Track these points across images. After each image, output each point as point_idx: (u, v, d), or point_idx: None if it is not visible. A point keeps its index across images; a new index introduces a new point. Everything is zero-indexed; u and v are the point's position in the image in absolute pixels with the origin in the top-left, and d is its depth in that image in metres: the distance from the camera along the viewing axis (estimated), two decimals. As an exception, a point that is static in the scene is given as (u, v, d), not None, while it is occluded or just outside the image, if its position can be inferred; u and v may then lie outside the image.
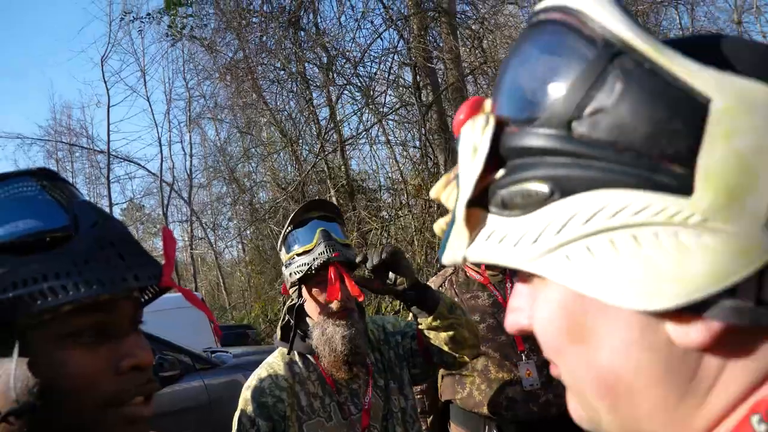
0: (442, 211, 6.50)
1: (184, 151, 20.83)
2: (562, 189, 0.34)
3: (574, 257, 0.34)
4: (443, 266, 4.09)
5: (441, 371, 2.25)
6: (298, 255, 1.56)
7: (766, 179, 0.30)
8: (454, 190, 0.40)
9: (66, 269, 0.58)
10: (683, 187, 0.31)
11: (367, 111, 7.05)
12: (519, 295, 0.41)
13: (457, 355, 1.59)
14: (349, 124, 8.09)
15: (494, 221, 0.38)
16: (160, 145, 15.28)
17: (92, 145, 17.31)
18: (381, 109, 7.01)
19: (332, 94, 7.50)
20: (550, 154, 0.35)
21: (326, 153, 7.34)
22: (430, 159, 6.71)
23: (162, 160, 15.13)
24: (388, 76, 7.08)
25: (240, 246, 14.35)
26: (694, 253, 0.31)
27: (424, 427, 1.65)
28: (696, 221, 0.31)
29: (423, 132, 6.53)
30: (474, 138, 0.38)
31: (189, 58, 12.46)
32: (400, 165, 7.65)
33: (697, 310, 0.32)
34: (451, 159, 6.06)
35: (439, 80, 6.79)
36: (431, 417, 2.25)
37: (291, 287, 1.62)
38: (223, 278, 14.37)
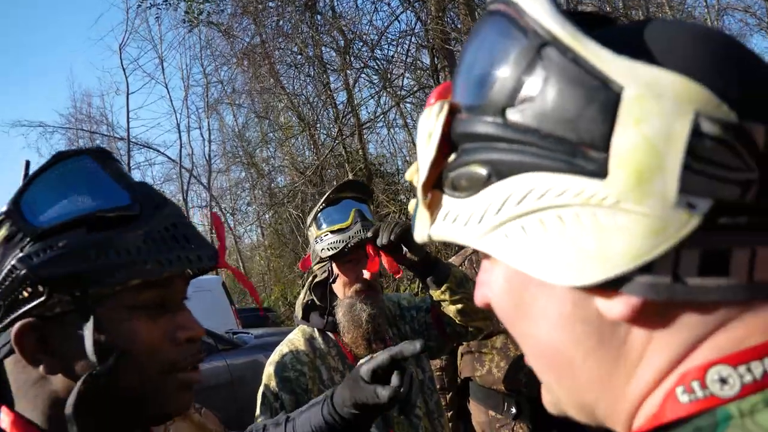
0: (460, 193, 6.49)
1: (202, 136, 20.94)
2: (498, 172, 0.37)
3: (511, 236, 0.36)
4: (462, 247, 4.11)
5: (461, 349, 2.27)
6: (332, 232, 1.59)
7: (673, 163, 0.32)
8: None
9: (137, 246, 0.63)
10: (599, 170, 0.33)
11: (384, 94, 7.04)
12: (483, 271, 0.43)
13: (468, 327, 1.62)
14: (366, 107, 8.08)
15: (448, 202, 0.40)
16: (179, 132, 15.35)
17: (112, 133, 17.49)
18: (398, 92, 6.99)
19: (349, 78, 7.50)
20: (487, 139, 0.37)
21: (344, 137, 7.35)
22: (448, 142, 6.68)
23: (181, 147, 15.23)
24: (406, 58, 7.05)
25: (259, 230, 14.46)
26: (611, 232, 0.33)
27: (444, 404, 1.68)
28: (611, 203, 0.33)
29: (441, 115, 6.50)
30: (429, 124, 0.40)
31: (206, 44, 12.53)
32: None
33: (617, 285, 0.34)
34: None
35: (457, 62, 6.74)
36: (450, 394, 2.27)
37: (319, 263, 1.65)
38: (243, 262, 14.52)
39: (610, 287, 0.34)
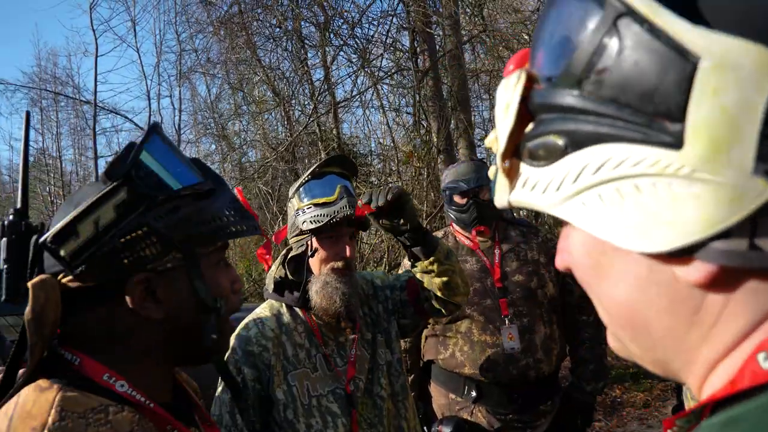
0: (432, 178, 6.51)
1: (173, 105, 20.43)
2: (575, 143, 0.38)
3: (588, 203, 0.38)
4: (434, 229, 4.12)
5: (425, 332, 2.30)
6: (316, 205, 1.57)
7: (750, 132, 0.32)
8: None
9: (222, 215, 0.78)
10: (675, 141, 0.34)
11: (362, 74, 6.97)
12: (563, 237, 0.45)
13: (448, 302, 1.64)
14: (343, 86, 8.00)
15: (527, 170, 0.42)
16: (149, 99, 15.01)
17: (78, 95, 16.92)
18: (376, 73, 6.93)
19: (327, 55, 7.39)
20: (564, 110, 0.38)
21: (319, 115, 7.27)
22: (423, 126, 6.67)
23: (150, 114, 14.86)
24: (386, 39, 6.99)
25: (227, 205, 14.20)
26: (687, 201, 0.34)
27: (399, 371, 1.69)
28: (686, 172, 0.34)
29: (417, 98, 6.48)
30: (506, 94, 0.41)
31: (182, 9, 12.15)
32: (393, 131, 7.61)
33: (693, 251, 0.35)
34: (445, 127, 6.04)
35: (437, 47, 6.71)
36: (412, 376, 2.30)
37: (296, 236, 1.63)
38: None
39: (686, 253, 0.35)
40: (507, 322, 2.14)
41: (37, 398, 0.68)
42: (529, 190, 0.41)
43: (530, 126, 0.41)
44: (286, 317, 1.62)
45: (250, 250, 9.54)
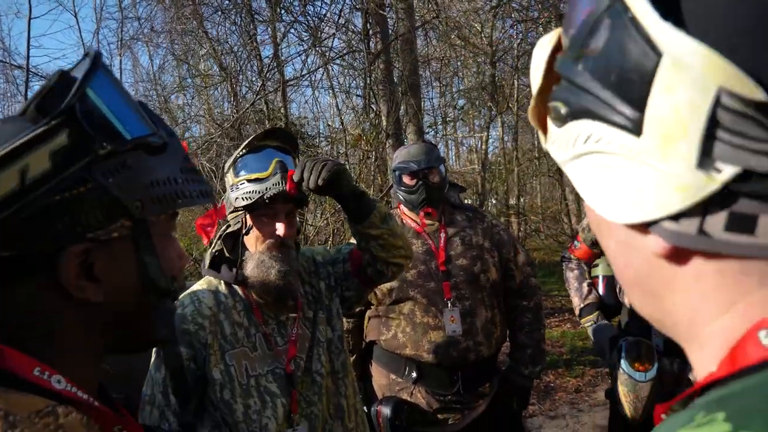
0: (379, 162, 6.49)
1: (113, 75, 19.59)
2: (572, 113, 0.41)
3: (580, 168, 0.42)
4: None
5: (368, 313, 2.28)
6: (249, 181, 1.50)
7: (695, 131, 0.35)
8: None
9: (176, 176, 0.64)
10: (636, 129, 0.37)
11: (313, 53, 6.84)
12: None
13: (390, 263, 1.62)
14: (293, 65, 7.83)
15: (550, 127, 0.45)
16: (87, 67, 14.30)
17: (8, 59, 15.93)
18: (327, 53, 6.82)
19: (278, 32, 7.22)
20: (568, 81, 0.42)
21: (267, 92, 7.10)
22: (372, 110, 6.63)
23: (88, 83, 14.12)
24: (338, 19, 6.87)
25: (168, 181, 13.74)
26: (645, 183, 0.38)
27: (339, 349, 1.67)
28: (644, 159, 0.37)
29: (368, 81, 6.42)
30: (539, 56, 0.45)
31: (125, -26, 11.56)
32: (342, 113, 7.53)
33: (649, 227, 0.39)
34: (394, 111, 6.02)
35: (390, 30, 6.66)
36: (354, 356, 2.29)
37: (233, 213, 1.56)
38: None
39: (646, 227, 0.39)
40: (449, 305, 2.15)
41: None
42: (551, 144, 0.45)
43: (554, 88, 0.44)
44: (224, 295, 1.56)
45: (190, 228, 9.28)
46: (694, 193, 0.36)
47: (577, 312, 2.42)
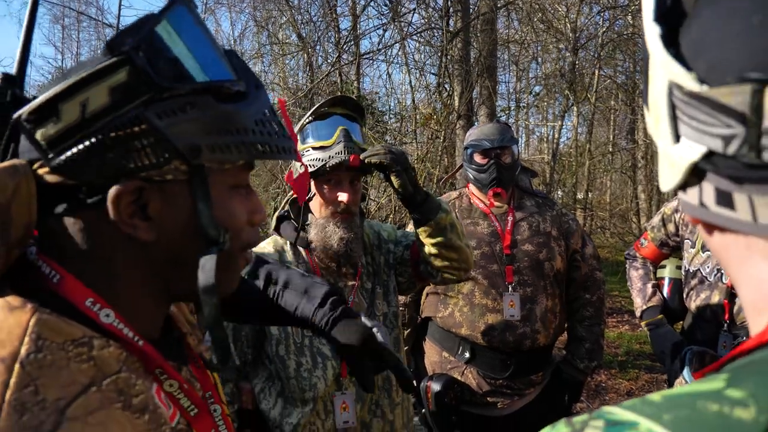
0: (448, 143, 6.42)
1: (195, 39, 20.22)
2: None
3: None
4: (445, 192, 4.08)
5: (427, 289, 2.28)
6: (314, 148, 1.53)
7: (663, 116, 0.41)
8: None
9: (251, 127, 0.61)
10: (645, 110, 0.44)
11: (391, 28, 6.81)
12: None
13: (442, 271, 1.60)
14: (370, 38, 7.81)
15: None
16: (172, 29, 14.79)
17: (101, 17, 16.70)
18: (406, 29, 6.77)
19: (357, 5, 7.22)
20: None
21: (342, 64, 7.14)
22: (446, 89, 6.55)
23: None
24: (420, -6, 6.79)
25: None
26: (660, 157, 0.44)
27: (394, 324, 1.68)
28: (656, 137, 0.44)
29: (444, 60, 6.34)
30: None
31: (215, -61, 11.83)
32: (414, 91, 7.48)
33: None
34: (468, 92, 5.92)
35: (471, 9, 6.53)
36: (408, 330, 2.30)
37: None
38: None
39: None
40: (510, 289, 2.12)
41: (6, 319, 0.54)
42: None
43: None
44: (289, 255, 1.61)
45: (259, 194, 9.54)
46: (680, 167, 0.40)
47: (638, 313, 2.31)
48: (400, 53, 7.21)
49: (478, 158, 2.20)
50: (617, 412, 0.36)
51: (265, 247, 1.62)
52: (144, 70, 0.56)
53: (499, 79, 6.65)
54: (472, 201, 2.29)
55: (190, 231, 0.62)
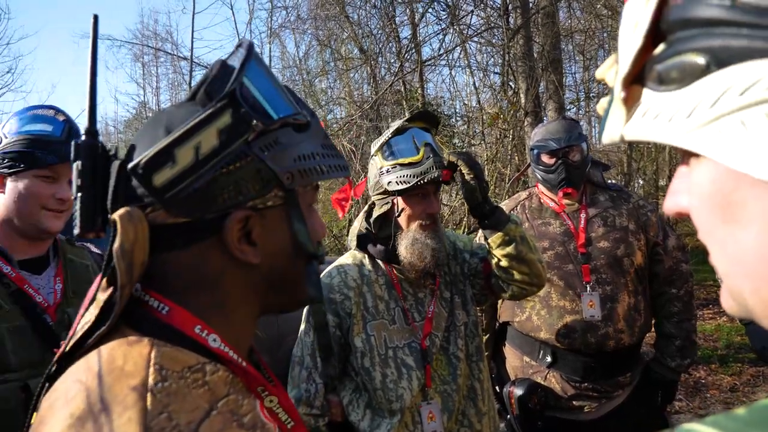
0: (517, 141, 6.32)
1: (263, 62, 21.03)
2: (719, 60, 0.33)
3: (727, 131, 0.33)
4: (515, 192, 4.03)
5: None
6: (401, 165, 1.56)
7: None
8: (615, 68, 0.40)
9: (318, 151, 0.70)
10: None
11: (450, 32, 6.80)
12: (678, 177, 0.41)
13: (513, 285, 1.60)
14: (430, 44, 7.84)
15: (650, 97, 0.37)
16: (241, 56, 15.41)
17: (176, 51, 17.66)
18: (465, 32, 6.74)
19: (416, 12, 7.26)
20: (710, 24, 0.34)
21: (404, 73, 7.20)
22: (511, 87, 6.46)
23: (242, 70, 15.21)
24: (477, -5, 6.76)
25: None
26: None
27: (474, 333, 1.69)
28: None
29: (506, 58, 6.26)
30: (636, 12, 0.38)
31: (274, -34, 12.26)
32: (479, 92, 7.42)
33: None
34: (534, 88, 5.81)
35: (530, 4, 6.41)
36: (486, 335, 2.29)
37: (381, 194, 1.63)
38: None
39: None
40: (588, 288, 2.07)
41: (128, 353, 0.59)
42: (650, 119, 0.37)
43: (661, 47, 0.37)
44: (368, 268, 1.65)
45: (332, 207, 9.75)
46: None
47: None
48: (461, 56, 7.20)
49: (545, 158, 2.17)
50: (698, 429, 0.33)
51: (346, 260, 1.68)
52: (244, 111, 0.63)
53: (566, 71, 6.48)
54: (542, 200, 2.25)
55: (288, 250, 0.69)
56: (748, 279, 0.36)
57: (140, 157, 0.62)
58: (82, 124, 0.71)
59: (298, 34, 11.30)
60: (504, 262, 1.57)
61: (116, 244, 0.60)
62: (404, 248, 1.58)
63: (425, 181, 1.52)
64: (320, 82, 10.89)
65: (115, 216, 0.61)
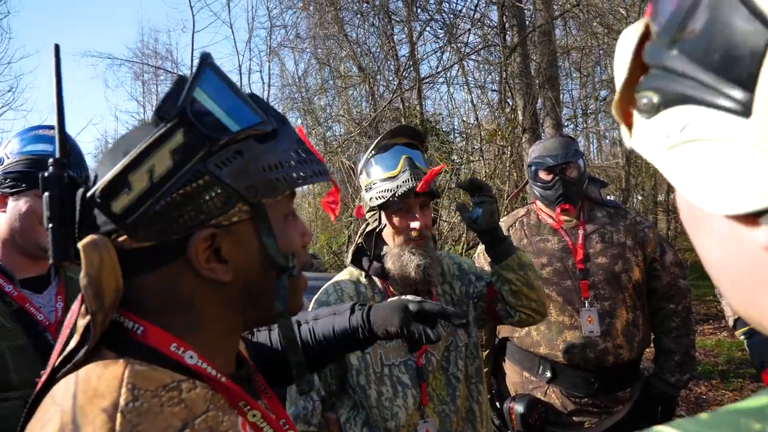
0: (515, 158, 6.36)
1: (262, 80, 21.25)
2: (665, 100, 0.39)
3: (676, 161, 0.39)
4: (514, 209, 4.04)
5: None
6: (381, 180, 1.58)
7: None
8: None
9: (288, 159, 0.68)
10: (745, 109, 0.35)
11: (448, 50, 6.88)
12: None
13: (521, 311, 1.60)
14: (428, 62, 7.92)
15: (637, 119, 0.43)
16: (240, 74, 15.50)
17: (176, 70, 17.83)
18: (463, 49, 6.82)
19: (414, 31, 7.35)
20: (661, 68, 0.39)
21: (403, 91, 7.26)
22: (509, 104, 6.52)
23: (241, 89, 15.32)
24: (474, 14, 6.85)
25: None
26: (754, 169, 0.35)
27: (474, 355, 1.69)
28: (753, 142, 0.35)
29: (504, 76, 6.32)
30: (627, 43, 0.43)
31: (274, -15, 12.43)
32: (477, 109, 7.48)
33: (760, 216, 0.36)
34: (531, 105, 5.87)
35: (527, 22, 6.49)
36: (486, 351, 2.29)
37: (369, 212, 1.65)
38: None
39: (756, 217, 0.36)
40: (587, 304, 2.08)
41: (102, 373, 0.59)
42: (638, 138, 0.43)
43: (641, 78, 0.42)
44: (364, 285, 1.65)
45: (331, 223, 9.76)
46: None
47: (730, 322, 2.20)
48: (459, 73, 7.27)
49: (543, 175, 2.19)
50: (663, 430, 0.37)
51: (342, 277, 1.68)
52: (196, 129, 0.62)
53: (563, 87, 6.54)
54: (540, 217, 2.27)
55: (260, 264, 0.67)
56: (719, 283, 0.42)
57: (97, 185, 0.62)
58: (82, 142, 0.71)
59: (297, 52, 11.41)
60: (515, 286, 1.57)
61: (82, 273, 0.60)
62: (390, 263, 1.59)
63: (399, 193, 1.53)
64: (319, 99, 10.97)
65: (79, 245, 0.60)
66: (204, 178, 0.62)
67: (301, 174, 0.68)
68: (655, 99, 0.40)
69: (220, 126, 0.63)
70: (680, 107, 0.38)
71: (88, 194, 0.63)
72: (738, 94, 0.35)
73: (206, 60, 0.65)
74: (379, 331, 1.02)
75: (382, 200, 1.56)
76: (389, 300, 1.06)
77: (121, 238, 0.63)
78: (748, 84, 0.35)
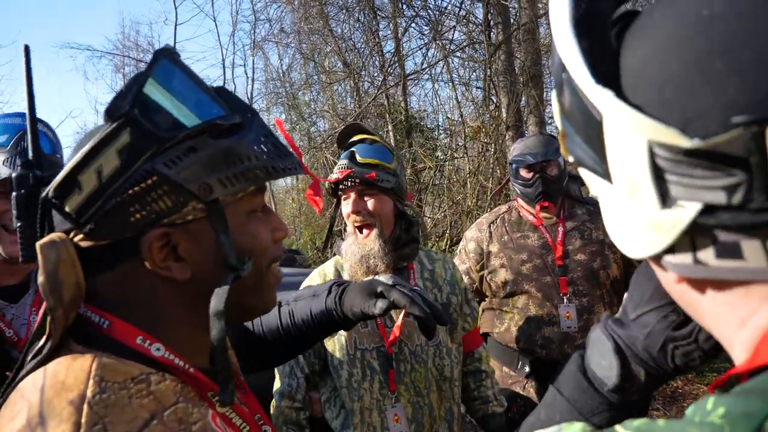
0: (499, 155, 6.40)
1: (246, 74, 21.12)
2: (577, 162, 0.46)
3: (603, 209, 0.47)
4: (496, 205, 4.07)
5: (482, 305, 2.31)
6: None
7: (645, 178, 0.38)
8: None
9: (251, 154, 0.65)
10: (607, 176, 0.42)
11: (433, 46, 6.90)
12: None
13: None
14: (413, 59, 7.94)
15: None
16: (224, 68, 15.39)
17: (159, 62, 17.58)
18: (448, 46, 6.84)
19: (399, 27, 7.35)
20: (566, 135, 0.47)
21: (388, 87, 7.27)
22: (493, 102, 6.55)
23: (224, 83, 15.25)
24: (459, 11, 6.87)
25: (294, 173, 14.46)
26: (631, 225, 0.41)
27: (456, 360, 1.71)
28: (623, 203, 0.41)
29: (488, 73, 6.35)
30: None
31: (258, -21, 12.35)
32: (461, 106, 7.51)
33: (658, 259, 0.42)
34: (515, 102, 5.91)
35: (511, 20, 6.53)
36: (467, 347, 2.32)
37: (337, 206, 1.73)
38: (275, 204, 14.72)
39: (659, 261, 0.42)
40: (565, 300, 2.12)
41: (70, 366, 0.59)
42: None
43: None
44: (348, 273, 1.68)
45: (314, 219, 9.76)
46: (670, 230, 0.38)
47: None
48: (444, 70, 7.29)
49: (523, 173, 2.22)
50: (620, 431, 0.40)
51: (326, 266, 1.74)
52: (144, 128, 0.60)
53: (547, 86, 6.58)
54: (521, 214, 2.30)
55: (219, 262, 0.66)
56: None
57: (50, 185, 0.63)
58: (61, 135, 0.70)
59: (282, 47, 11.35)
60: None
61: (39, 270, 0.60)
62: (343, 253, 1.66)
63: (328, 181, 1.62)
64: (303, 94, 10.93)
65: (37, 244, 0.61)
66: (152, 177, 0.61)
67: (267, 168, 0.66)
68: (571, 159, 0.46)
69: (172, 122, 0.62)
70: (582, 169, 0.45)
71: (42, 195, 0.63)
72: (600, 164, 0.41)
73: (163, 53, 0.63)
74: (349, 313, 1.01)
75: (324, 189, 1.64)
76: (363, 280, 1.05)
77: (77, 237, 0.63)
78: (602, 157, 0.41)
